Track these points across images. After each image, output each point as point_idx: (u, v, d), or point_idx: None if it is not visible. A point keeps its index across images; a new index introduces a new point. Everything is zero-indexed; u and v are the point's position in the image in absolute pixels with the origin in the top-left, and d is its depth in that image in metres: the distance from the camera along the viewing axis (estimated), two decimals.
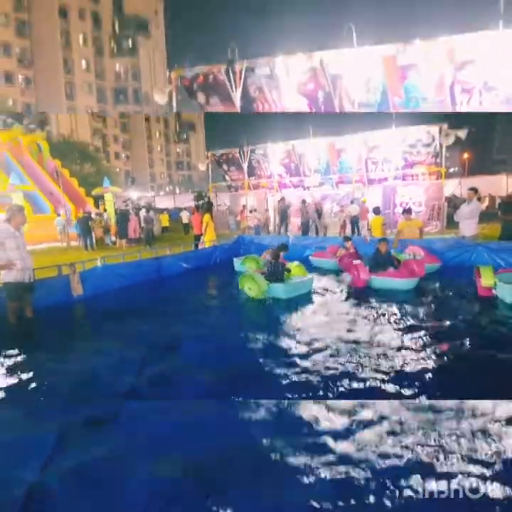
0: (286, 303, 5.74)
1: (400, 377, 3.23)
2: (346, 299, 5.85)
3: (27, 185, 19.11)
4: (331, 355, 3.73)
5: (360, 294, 6.01)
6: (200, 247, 10.14)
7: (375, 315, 5.00)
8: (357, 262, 6.72)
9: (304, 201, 14.27)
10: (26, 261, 4.78)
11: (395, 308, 5.24)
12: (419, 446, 2.26)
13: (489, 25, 9.42)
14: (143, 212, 16.14)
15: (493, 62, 9.65)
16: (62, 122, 43.90)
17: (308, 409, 2.76)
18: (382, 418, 2.60)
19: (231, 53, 10.73)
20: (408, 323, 4.65)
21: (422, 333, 4.29)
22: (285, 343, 4.15)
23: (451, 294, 6.04)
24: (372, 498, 1.91)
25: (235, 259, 8.34)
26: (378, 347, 3.91)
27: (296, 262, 6.70)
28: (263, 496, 2.02)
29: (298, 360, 3.66)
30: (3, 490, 2.13)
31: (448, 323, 4.61)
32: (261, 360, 3.76)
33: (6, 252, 4.60)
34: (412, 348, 3.88)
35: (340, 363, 3.54)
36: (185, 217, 18.94)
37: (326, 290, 6.46)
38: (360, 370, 3.39)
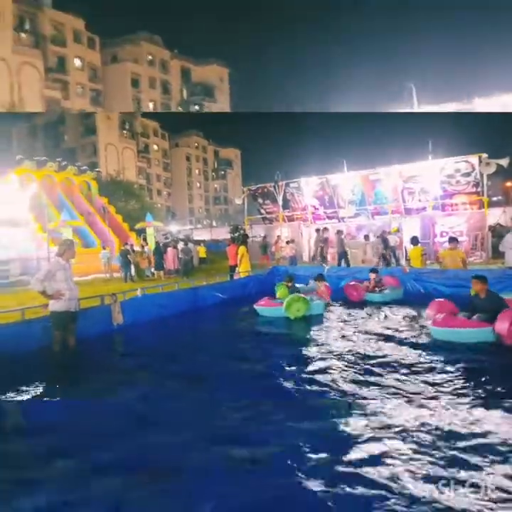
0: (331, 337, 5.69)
1: None
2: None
3: (77, 221, 20.58)
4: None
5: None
6: (235, 277, 10.31)
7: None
8: (440, 300, 5.93)
9: (339, 232, 14.19)
10: (73, 291, 5.04)
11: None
12: None
13: None
14: (181, 245, 16.77)
15: None
16: (110, 163, 47.40)
17: None
18: None
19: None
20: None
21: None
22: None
23: None
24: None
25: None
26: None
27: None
28: None
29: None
30: None
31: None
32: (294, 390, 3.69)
33: (56, 283, 4.89)
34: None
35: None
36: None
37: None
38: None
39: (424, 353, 4.60)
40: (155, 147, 59.31)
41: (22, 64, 35.52)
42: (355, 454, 2.54)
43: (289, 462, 2.49)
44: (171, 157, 63.00)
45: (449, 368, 4.08)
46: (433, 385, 3.67)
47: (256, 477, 2.42)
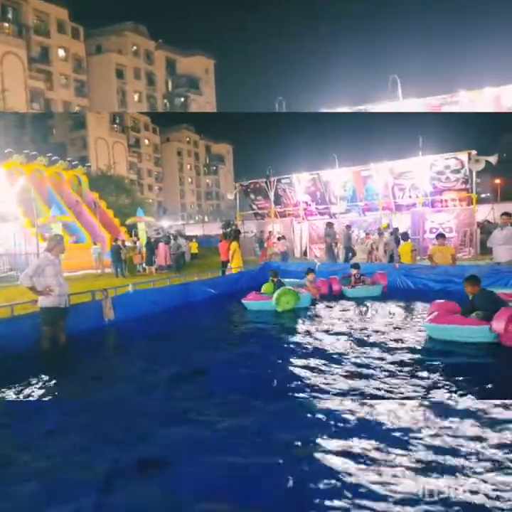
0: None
1: None
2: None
3: (67, 216, 20.33)
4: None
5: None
6: (227, 273, 10.33)
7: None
8: (441, 301, 5.68)
9: (348, 226, 13.74)
10: (63, 287, 5.01)
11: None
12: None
13: None
14: (172, 240, 16.71)
15: None
16: (101, 158, 46.81)
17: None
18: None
19: (279, 105, 16.08)
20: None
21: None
22: None
23: None
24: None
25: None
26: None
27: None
28: None
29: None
30: None
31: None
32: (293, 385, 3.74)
33: (45, 278, 4.85)
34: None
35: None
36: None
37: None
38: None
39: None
40: (146, 142, 58.69)
41: (5, 54, 34.90)
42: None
43: None
44: (162, 152, 62.43)
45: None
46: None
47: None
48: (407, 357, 4.35)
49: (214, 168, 70.48)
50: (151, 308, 7.09)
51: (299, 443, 2.66)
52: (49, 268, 4.90)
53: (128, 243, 17.31)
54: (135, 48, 48.47)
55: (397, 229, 12.98)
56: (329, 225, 13.86)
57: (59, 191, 22.46)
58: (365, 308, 7.06)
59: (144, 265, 15.87)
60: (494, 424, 2.74)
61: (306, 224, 17.64)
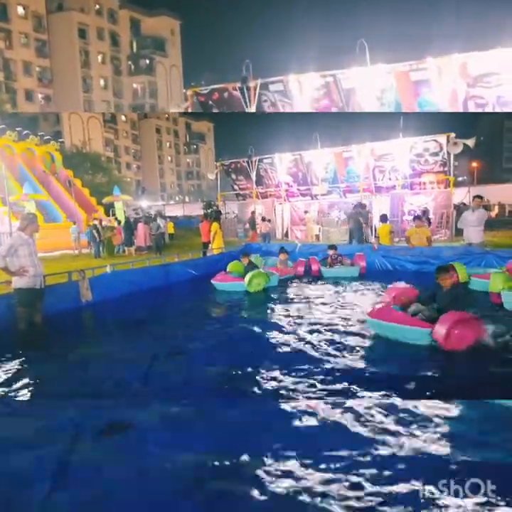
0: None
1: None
2: None
3: (40, 194, 19.57)
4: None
5: None
6: (208, 254, 10.26)
7: None
8: (400, 284, 5.34)
9: (362, 205, 12.47)
10: (38, 268, 4.85)
11: None
12: None
13: (502, 43, 9.33)
14: (152, 221, 16.39)
15: (507, 77, 9.45)
16: (75, 133, 44.92)
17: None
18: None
19: (246, 69, 10.59)
20: None
21: None
22: None
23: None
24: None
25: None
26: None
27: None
28: None
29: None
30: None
31: None
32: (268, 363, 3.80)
33: (19, 258, 4.69)
34: None
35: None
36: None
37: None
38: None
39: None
40: (123, 117, 56.58)
41: None
42: None
43: None
44: (139, 128, 60.40)
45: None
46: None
47: None
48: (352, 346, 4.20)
49: (194, 146, 68.83)
50: (130, 288, 7.01)
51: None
52: (23, 248, 4.73)
53: (105, 223, 16.86)
54: (98, 6, 46.21)
55: (425, 210, 12.06)
56: (362, 205, 12.47)
57: (31, 168, 21.50)
58: (339, 289, 7.23)
59: (123, 246, 15.54)
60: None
61: (288, 205, 17.62)
